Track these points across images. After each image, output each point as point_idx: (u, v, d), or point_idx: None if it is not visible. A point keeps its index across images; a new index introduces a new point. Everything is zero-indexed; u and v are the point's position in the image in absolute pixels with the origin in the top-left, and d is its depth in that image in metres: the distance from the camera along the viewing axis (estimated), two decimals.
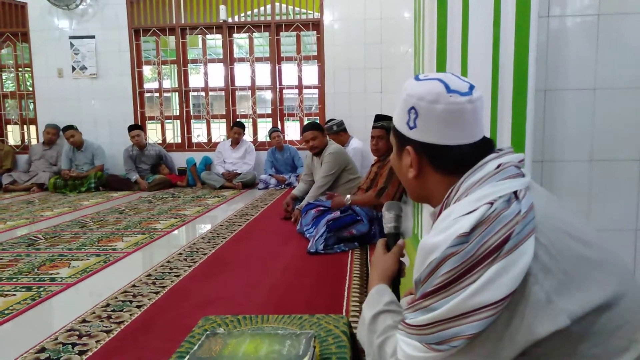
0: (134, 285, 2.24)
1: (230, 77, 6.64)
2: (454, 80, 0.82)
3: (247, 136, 6.47)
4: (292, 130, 7.24)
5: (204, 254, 2.77)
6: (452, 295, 0.68)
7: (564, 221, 0.74)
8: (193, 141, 6.83)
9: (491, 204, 0.69)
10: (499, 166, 0.77)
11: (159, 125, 6.87)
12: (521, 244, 0.66)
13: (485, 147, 0.82)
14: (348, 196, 3.08)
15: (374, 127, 3.10)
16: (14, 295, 2.15)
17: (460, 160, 0.80)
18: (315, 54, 6.54)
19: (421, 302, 0.72)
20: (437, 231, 0.73)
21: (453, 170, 0.80)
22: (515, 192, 0.71)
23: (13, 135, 7.18)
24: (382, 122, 3.05)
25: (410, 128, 0.82)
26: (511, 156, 0.80)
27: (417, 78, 0.86)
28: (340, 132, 5.40)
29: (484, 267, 0.66)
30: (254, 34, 6.62)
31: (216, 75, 6.86)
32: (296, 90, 6.67)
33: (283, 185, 5.97)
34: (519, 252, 0.66)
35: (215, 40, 7.09)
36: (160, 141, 6.83)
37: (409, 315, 0.75)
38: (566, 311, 0.65)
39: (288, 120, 6.82)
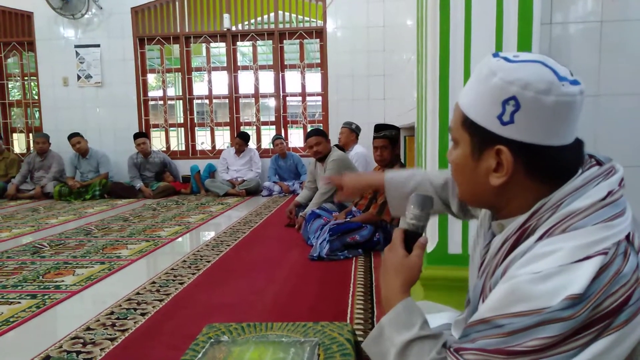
0: (138, 293, 2.24)
1: (234, 85, 6.67)
2: (556, 64, 0.66)
3: (251, 143, 6.49)
4: (296, 138, 7.25)
5: (208, 262, 2.77)
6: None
7: None
8: (197, 149, 6.86)
9: (605, 253, 0.58)
10: (608, 194, 0.64)
11: (163, 133, 6.91)
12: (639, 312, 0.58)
13: (580, 149, 0.70)
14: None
15: (376, 138, 3.08)
16: (19, 303, 2.16)
17: (561, 166, 0.68)
18: (319, 61, 6.57)
19: (504, 358, 0.60)
20: (535, 274, 0.60)
21: (551, 177, 0.68)
22: (628, 237, 0.61)
23: (19, 143, 7.23)
24: (384, 131, 3.04)
25: (504, 123, 0.66)
26: (617, 176, 0.67)
27: (507, 59, 0.67)
28: (354, 133, 5.45)
29: (592, 332, 0.57)
30: (257, 42, 6.66)
31: (220, 83, 6.91)
32: (299, 98, 6.69)
33: (286, 193, 5.98)
34: (636, 323, 0.58)
35: (219, 49, 7.15)
36: (164, 149, 6.87)
37: None
38: None
39: (292, 127, 6.84)
